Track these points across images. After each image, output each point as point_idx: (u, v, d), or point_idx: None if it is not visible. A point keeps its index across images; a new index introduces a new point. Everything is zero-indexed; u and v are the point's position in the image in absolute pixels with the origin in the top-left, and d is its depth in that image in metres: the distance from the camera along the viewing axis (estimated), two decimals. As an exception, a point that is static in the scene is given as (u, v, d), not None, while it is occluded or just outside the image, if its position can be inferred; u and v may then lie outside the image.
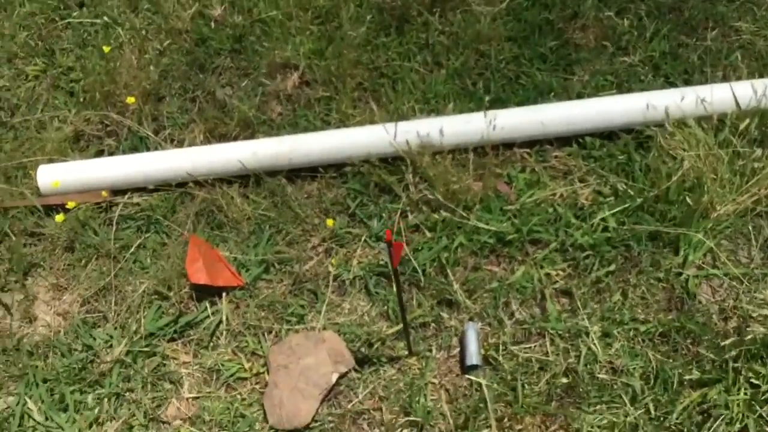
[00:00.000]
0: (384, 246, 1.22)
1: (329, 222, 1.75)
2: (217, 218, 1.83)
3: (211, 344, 1.64)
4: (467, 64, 2.09)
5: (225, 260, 1.72)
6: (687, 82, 1.95)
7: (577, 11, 2.18)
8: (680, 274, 1.62)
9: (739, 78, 1.88)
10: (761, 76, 1.89)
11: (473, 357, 1.51)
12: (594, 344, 1.52)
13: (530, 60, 2.07)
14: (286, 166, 1.86)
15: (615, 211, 1.69)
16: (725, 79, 1.93)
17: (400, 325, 1.59)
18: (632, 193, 1.72)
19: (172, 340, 1.66)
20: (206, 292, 1.70)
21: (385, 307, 1.64)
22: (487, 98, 1.98)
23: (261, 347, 1.61)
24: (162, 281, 1.72)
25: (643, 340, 1.54)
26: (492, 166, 1.82)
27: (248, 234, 1.80)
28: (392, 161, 1.85)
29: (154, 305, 1.70)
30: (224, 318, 1.66)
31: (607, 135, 1.86)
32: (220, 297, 1.69)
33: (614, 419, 1.43)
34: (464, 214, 1.73)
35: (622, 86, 1.98)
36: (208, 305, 1.69)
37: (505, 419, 1.46)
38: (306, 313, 1.66)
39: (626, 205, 1.69)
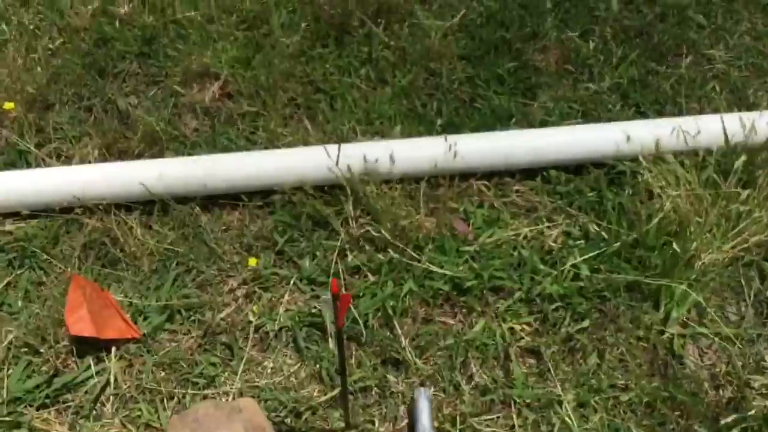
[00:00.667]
0: (326, 299, 0.98)
1: (251, 261, 1.50)
2: (111, 253, 1.54)
3: (94, 413, 1.34)
4: (416, 82, 1.90)
5: (117, 306, 1.43)
6: (659, 113, 1.83)
7: (537, 31, 2.04)
8: (663, 332, 1.45)
9: (716, 110, 1.76)
10: (738, 109, 1.78)
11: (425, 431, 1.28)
12: (569, 416, 1.32)
13: (486, 81, 1.91)
14: (200, 192, 1.59)
15: (587, 256, 1.51)
16: (701, 111, 1.81)
17: (336, 390, 1.34)
18: (606, 236, 1.56)
19: (44, 406, 1.35)
20: (91, 346, 1.40)
21: (317, 367, 1.40)
22: (439, 121, 1.79)
23: (158, 418, 1.33)
24: (34, 331, 1.42)
25: (625, 412, 1.35)
26: (447, 199, 1.61)
27: (149, 273, 1.51)
28: (330, 190, 1.63)
29: (23, 361, 1.39)
30: (112, 379, 1.37)
31: (573, 169, 1.70)
32: (109, 352, 1.40)
33: None
34: (414, 255, 1.51)
35: (588, 115, 1.84)
36: (92, 363, 1.39)
37: None
38: (218, 374, 1.39)
39: (600, 251, 1.52)
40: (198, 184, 1.58)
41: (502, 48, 2.00)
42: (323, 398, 1.36)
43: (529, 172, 1.70)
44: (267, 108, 1.81)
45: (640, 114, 1.84)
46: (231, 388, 1.37)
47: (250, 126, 1.79)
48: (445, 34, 2.02)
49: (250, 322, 1.46)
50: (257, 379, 1.39)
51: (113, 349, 1.41)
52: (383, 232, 1.53)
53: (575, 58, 1.98)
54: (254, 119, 1.81)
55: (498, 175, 1.70)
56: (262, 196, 1.63)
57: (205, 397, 1.37)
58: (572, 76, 1.94)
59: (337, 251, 1.54)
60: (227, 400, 1.35)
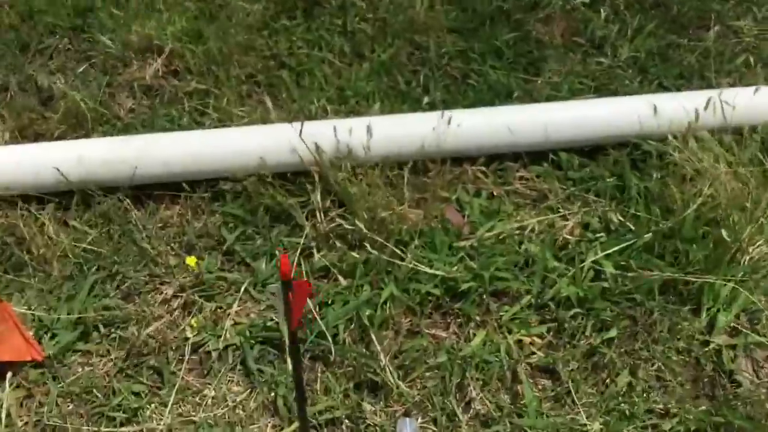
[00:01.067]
0: (275, 289, 0.71)
1: (191, 261, 1.22)
2: (15, 255, 1.27)
3: (-20, 459, 1.05)
4: (398, 57, 1.66)
5: (17, 320, 1.15)
6: (683, 89, 1.59)
7: (539, 0, 1.80)
8: (708, 342, 1.18)
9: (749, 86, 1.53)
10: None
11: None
12: (598, 453, 1.04)
13: (481, 55, 1.68)
14: (130, 180, 1.33)
15: (611, 251, 1.26)
16: (733, 86, 1.57)
17: (296, 426, 1.07)
18: (632, 227, 1.30)
19: None
20: (-20, 371, 1.12)
21: (272, 395, 1.12)
22: (426, 99, 1.55)
23: (63, 463, 1.04)
24: None
25: (669, 445, 1.07)
26: (436, 187, 1.35)
27: (61, 280, 1.24)
28: (293, 177, 1.36)
29: None
30: (3, 414, 1.08)
31: (587, 152, 1.45)
32: (2, 379, 1.12)
33: None
34: (397, 251, 1.24)
35: (603, 91, 1.59)
36: (-19, 392, 1.11)
37: None
38: (143, 406, 1.11)
39: (626, 244, 1.26)
40: (128, 169, 1.31)
41: (499, 19, 1.77)
42: (279, 436, 1.08)
43: (535, 156, 1.45)
44: (219, 85, 1.56)
45: (663, 89, 1.60)
46: (158, 425, 1.09)
47: (198, 104, 1.54)
48: (432, 4, 1.78)
49: (187, 339, 1.19)
50: (193, 412, 1.12)
51: (8, 374, 1.13)
52: (358, 223, 1.26)
53: (584, 29, 1.76)
54: (204, 98, 1.55)
55: (498, 159, 1.45)
56: (208, 185, 1.37)
57: (124, 436, 1.08)
58: (581, 49, 1.71)
59: (300, 249, 1.27)
60: (153, 438, 1.07)
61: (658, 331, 1.19)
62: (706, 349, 1.19)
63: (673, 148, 1.39)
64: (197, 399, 1.14)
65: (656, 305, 1.21)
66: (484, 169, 1.44)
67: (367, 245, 1.25)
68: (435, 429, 1.10)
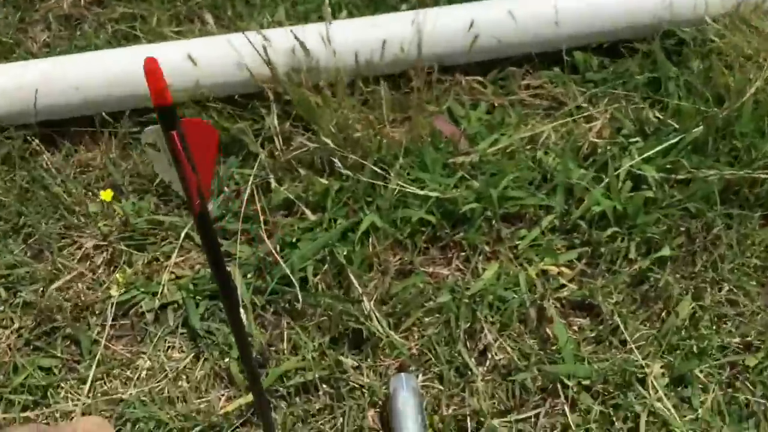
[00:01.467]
0: (152, 132, 0.46)
1: (106, 196, 0.98)
2: None
3: None
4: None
5: None
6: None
7: None
8: (788, 257, 0.94)
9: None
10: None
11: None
12: (661, 401, 0.80)
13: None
14: (33, 113, 1.09)
15: (652, 152, 1.01)
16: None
17: (250, 396, 0.82)
18: (675, 124, 1.05)
19: None
20: None
21: (226, 360, 0.87)
22: (404, 7, 1.30)
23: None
24: None
25: (753, 385, 0.83)
26: (421, 102, 1.11)
27: (-52, 236, 1.00)
28: (244, 101, 1.13)
29: None
30: None
31: (606, 50, 1.21)
32: None
33: None
34: (379, 170, 1.00)
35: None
36: None
37: None
38: (55, 384, 0.86)
39: (670, 142, 1.02)
40: (30, 99, 1.07)
41: None
42: (231, 406, 0.84)
43: (542, 59, 1.21)
44: (150, 6, 1.32)
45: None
46: (74, 405, 0.84)
47: (126, 29, 1.30)
48: None
49: (110, 298, 0.94)
50: (122, 389, 0.87)
51: None
52: (325, 139, 1.02)
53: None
54: (131, 22, 1.31)
55: (497, 66, 1.21)
56: (137, 116, 1.13)
57: (28, 421, 0.84)
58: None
59: (251, 181, 1.03)
60: (66, 422, 0.82)
61: (724, 246, 0.95)
62: (786, 267, 0.94)
63: (715, 33, 1.15)
64: (128, 372, 0.89)
65: (717, 214, 0.97)
66: (480, 78, 1.20)
67: (338, 164, 1.01)
68: (441, 387, 0.85)
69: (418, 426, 0.78)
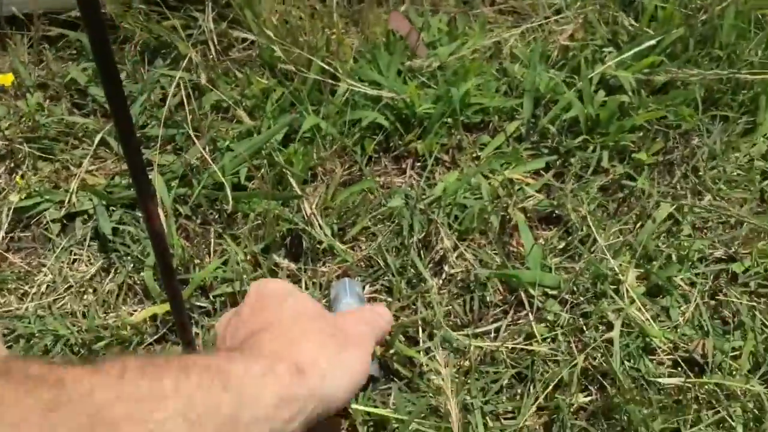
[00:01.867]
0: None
1: (5, 80, 0.87)
2: None
3: None
4: None
5: None
6: None
7: None
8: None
9: None
10: None
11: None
12: (641, 311, 0.72)
13: None
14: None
15: (627, 55, 0.93)
16: None
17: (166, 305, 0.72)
18: (651, 32, 0.98)
19: None
20: None
21: (141, 274, 0.77)
22: None
23: None
24: None
25: (739, 295, 0.76)
26: (375, 14, 1.02)
27: None
28: (177, 3, 1.02)
29: None
30: None
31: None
32: None
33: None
34: (326, 66, 0.91)
35: None
36: None
37: None
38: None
39: (648, 44, 0.94)
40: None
41: None
42: (141, 317, 0.73)
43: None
44: None
45: None
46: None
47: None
48: None
49: (8, 203, 0.83)
50: (18, 304, 0.76)
51: None
52: (267, 31, 0.92)
53: None
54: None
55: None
56: (48, 21, 1.02)
57: None
58: None
59: (176, 82, 0.92)
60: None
61: (705, 155, 0.88)
62: (769, 179, 0.88)
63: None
64: (25, 287, 0.78)
65: (699, 122, 0.90)
66: (440, -10, 1.11)
67: (281, 55, 0.91)
68: (390, 299, 0.75)
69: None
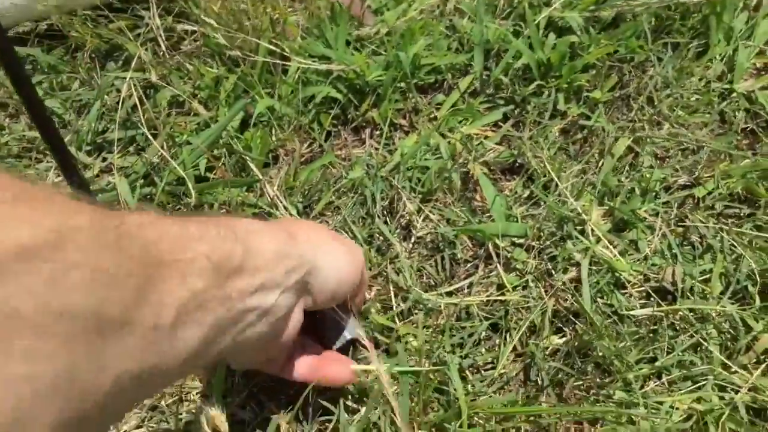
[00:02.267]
0: None
1: None
2: None
3: None
4: None
5: None
6: None
7: None
8: (731, 92, 0.88)
9: None
10: None
11: (345, 325, 0.69)
12: (608, 249, 0.73)
13: None
14: None
15: (574, -1, 0.94)
16: None
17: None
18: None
19: None
20: None
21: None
22: None
23: None
24: None
25: (705, 219, 0.77)
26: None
27: None
28: (121, 4, 1.03)
29: None
30: None
31: None
32: None
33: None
34: (273, 48, 0.91)
35: None
36: None
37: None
38: None
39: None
40: None
41: None
42: None
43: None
44: None
45: None
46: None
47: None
48: None
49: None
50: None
51: None
52: (209, 20, 0.93)
53: None
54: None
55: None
56: None
57: None
58: None
59: (130, 79, 0.93)
60: None
61: (659, 83, 0.88)
62: (728, 100, 0.88)
63: None
64: None
65: (649, 52, 0.90)
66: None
67: (223, 42, 0.92)
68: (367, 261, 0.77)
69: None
